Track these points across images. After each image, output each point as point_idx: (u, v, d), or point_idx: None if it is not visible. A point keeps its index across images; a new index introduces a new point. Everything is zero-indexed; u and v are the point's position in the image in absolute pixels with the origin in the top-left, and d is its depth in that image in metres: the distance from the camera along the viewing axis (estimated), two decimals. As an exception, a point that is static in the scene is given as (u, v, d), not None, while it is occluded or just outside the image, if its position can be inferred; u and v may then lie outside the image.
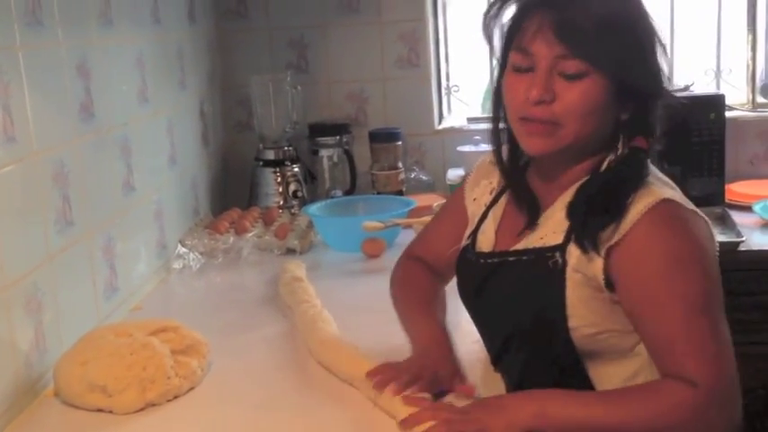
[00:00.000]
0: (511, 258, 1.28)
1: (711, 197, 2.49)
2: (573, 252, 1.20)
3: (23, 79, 1.45)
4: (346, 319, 1.65)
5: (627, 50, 1.20)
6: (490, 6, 1.27)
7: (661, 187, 1.22)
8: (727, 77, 2.80)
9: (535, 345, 1.27)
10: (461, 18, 2.83)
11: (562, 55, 1.18)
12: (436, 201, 2.41)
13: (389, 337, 1.56)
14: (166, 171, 2.20)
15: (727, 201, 2.51)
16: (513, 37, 1.23)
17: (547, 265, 1.22)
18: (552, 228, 1.24)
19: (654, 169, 1.28)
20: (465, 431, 1.15)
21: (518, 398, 1.20)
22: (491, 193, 1.38)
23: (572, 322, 1.21)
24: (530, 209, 1.29)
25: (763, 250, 2.22)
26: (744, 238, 2.23)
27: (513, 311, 1.28)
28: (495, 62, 1.33)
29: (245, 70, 2.71)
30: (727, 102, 2.54)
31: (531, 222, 1.28)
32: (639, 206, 1.18)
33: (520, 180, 1.32)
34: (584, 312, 1.21)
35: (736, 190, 2.56)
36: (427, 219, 2.18)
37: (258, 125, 2.68)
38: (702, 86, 2.72)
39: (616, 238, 1.17)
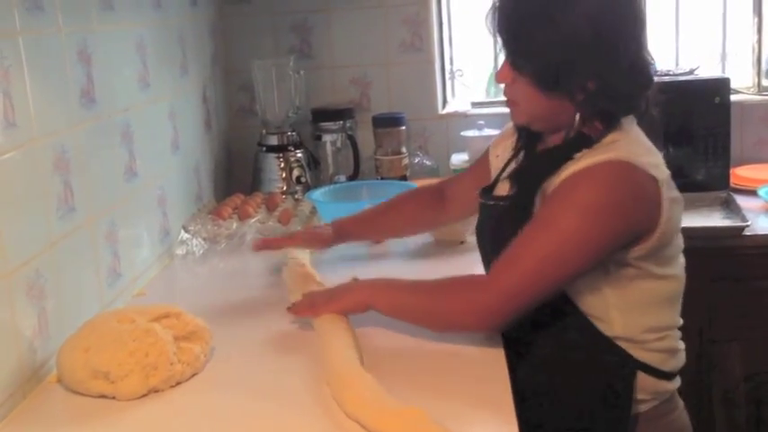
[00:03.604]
0: (491, 203, 1.53)
1: (716, 181, 2.48)
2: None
3: (24, 65, 1.44)
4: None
5: (541, 50, 1.35)
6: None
7: (621, 148, 1.35)
8: (733, 60, 2.78)
9: None
10: (464, 1, 2.82)
11: None
12: (440, 186, 2.40)
13: (393, 321, 1.57)
14: (169, 157, 2.19)
15: (732, 185, 2.50)
16: None
17: (517, 211, 1.42)
18: None
19: (632, 132, 1.41)
20: (320, 300, 1.54)
21: (366, 283, 1.55)
22: (512, 150, 1.56)
23: None
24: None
25: (768, 234, 2.22)
26: (749, 223, 2.22)
27: (494, 250, 1.45)
28: (499, 47, 1.46)
29: (247, 55, 2.70)
30: (733, 85, 2.53)
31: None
32: (588, 161, 1.34)
33: (528, 140, 1.52)
34: None
35: (741, 174, 2.54)
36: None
37: (261, 110, 2.67)
38: (708, 70, 2.70)
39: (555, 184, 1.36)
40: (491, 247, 1.49)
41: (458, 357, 1.45)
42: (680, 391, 1.52)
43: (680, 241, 1.45)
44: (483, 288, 1.38)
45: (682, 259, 1.47)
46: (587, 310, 1.40)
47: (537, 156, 1.48)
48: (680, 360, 1.48)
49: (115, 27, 1.87)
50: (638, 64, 1.39)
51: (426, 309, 1.45)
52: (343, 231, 1.85)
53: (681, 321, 1.48)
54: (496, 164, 1.62)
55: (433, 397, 1.28)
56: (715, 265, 2.24)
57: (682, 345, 1.49)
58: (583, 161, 1.35)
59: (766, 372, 2.28)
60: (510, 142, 1.57)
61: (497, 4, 1.41)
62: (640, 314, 1.40)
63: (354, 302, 1.52)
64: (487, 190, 1.58)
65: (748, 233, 2.21)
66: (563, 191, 1.35)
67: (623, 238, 1.34)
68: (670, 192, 1.37)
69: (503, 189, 1.53)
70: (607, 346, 1.40)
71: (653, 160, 1.37)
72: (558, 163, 1.38)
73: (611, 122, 1.38)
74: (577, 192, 1.33)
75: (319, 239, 1.85)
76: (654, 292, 1.41)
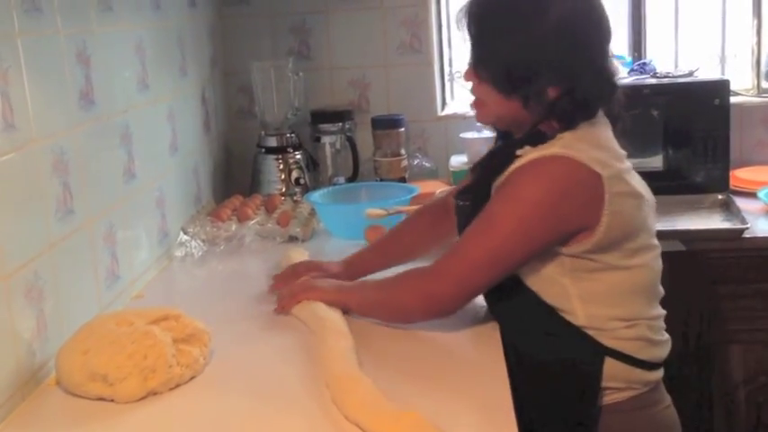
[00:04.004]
0: (459, 203, 1.58)
1: (716, 183, 2.48)
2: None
3: (22, 66, 1.44)
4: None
5: (502, 57, 1.42)
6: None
7: (565, 144, 1.40)
8: (732, 63, 2.78)
9: None
10: (464, 3, 2.81)
11: None
12: (439, 187, 2.40)
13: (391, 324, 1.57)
14: (168, 158, 2.19)
15: (731, 187, 2.50)
16: None
17: (479, 207, 1.46)
18: None
19: (580, 137, 1.42)
20: (298, 289, 1.64)
21: (339, 284, 1.65)
22: None
23: None
24: None
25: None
26: (748, 225, 2.22)
27: None
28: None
29: (246, 56, 2.69)
30: (732, 87, 2.53)
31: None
32: (530, 156, 1.40)
33: (502, 139, 1.60)
34: None
35: (740, 176, 2.54)
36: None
37: (260, 112, 2.67)
38: (707, 72, 2.70)
39: (501, 180, 1.43)
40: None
41: (456, 360, 1.45)
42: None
43: (647, 235, 1.47)
44: (433, 279, 1.46)
45: (655, 251, 1.49)
46: (550, 301, 1.45)
47: (490, 153, 1.58)
48: (660, 351, 1.49)
49: (114, 28, 1.87)
50: (604, 72, 1.44)
51: (387, 303, 1.55)
52: (353, 269, 1.79)
53: (659, 312, 1.50)
54: None
55: (431, 400, 1.28)
56: (714, 268, 2.24)
57: (662, 336, 1.50)
58: (525, 157, 1.41)
59: (766, 374, 2.28)
60: None
61: (466, 8, 1.47)
62: (605, 304, 1.43)
63: (331, 295, 1.61)
64: (463, 191, 1.62)
65: (748, 235, 2.20)
66: (505, 187, 1.42)
67: (562, 229, 1.39)
68: (618, 186, 1.40)
69: None
70: (575, 334, 1.43)
71: (598, 156, 1.39)
72: (506, 159, 1.44)
73: (568, 125, 1.42)
74: (517, 187, 1.40)
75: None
76: (618, 283, 1.44)
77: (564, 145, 1.40)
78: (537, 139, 1.42)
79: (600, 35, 1.45)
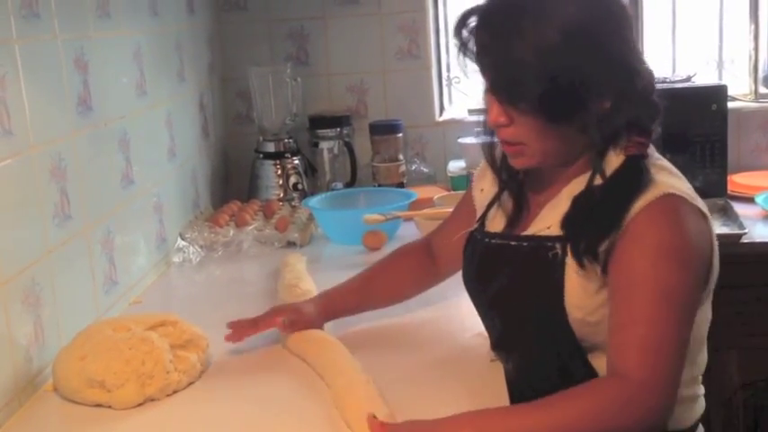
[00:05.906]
0: (513, 243, 1.32)
1: (713, 189, 2.47)
2: None
3: (20, 72, 1.44)
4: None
5: (556, 84, 1.19)
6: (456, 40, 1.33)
7: (665, 180, 1.24)
8: (730, 68, 2.79)
9: (536, 330, 1.30)
10: (462, 8, 2.81)
11: None
12: (437, 193, 2.40)
13: (388, 330, 1.56)
14: (166, 164, 2.19)
15: (729, 192, 2.50)
16: None
17: (547, 255, 1.26)
18: (557, 218, 1.27)
19: (660, 158, 1.30)
20: None
21: (454, 420, 1.16)
22: (496, 184, 1.42)
23: (573, 313, 1.24)
24: (519, 209, 1.36)
25: (766, 242, 2.21)
26: (746, 230, 2.22)
27: (513, 297, 1.32)
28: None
29: (244, 62, 2.69)
30: (730, 92, 2.53)
31: (515, 219, 1.35)
32: (641, 202, 1.20)
33: (512, 183, 1.37)
34: (584, 301, 1.23)
35: (738, 181, 2.54)
36: (428, 211, 2.19)
37: (258, 117, 2.67)
38: (704, 77, 2.70)
39: (615, 233, 1.20)
40: (498, 289, 1.34)
41: (458, 371, 1.43)
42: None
43: None
44: (642, 388, 1.13)
45: None
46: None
47: (589, 200, 1.25)
48: (700, 407, 1.38)
49: (112, 34, 1.87)
50: (640, 62, 1.27)
51: (565, 427, 1.13)
52: (329, 309, 1.57)
53: None
54: (481, 198, 1.45)
55: (432, 409, 1.27)
56: (713, 273, 2.24)
57: (702, 389, 1.38)
58: (641, 197, 1.20)
59: (764, 379, 2.28)
60: (492, 174, 1.43)
61: (477, 40, 1.28)
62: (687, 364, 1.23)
63: None
64: (475, 230, 1.42)
65: (746, 241, 2.20)
66: (639, 247, 1.18)
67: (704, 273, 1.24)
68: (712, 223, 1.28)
69: (496, 225, 1.38)
70: None
71: (689, 189, 1.26)
72: (619, 215, 1.20)
73: (647, 133, 1.27)
74: (652, 239, 1.18)
75: (302, 322, 1.53)
76: (699, 335, 1.32)
77: (670, 178, 1.24)
78: (638, 170, 1.23)
79: (621, 25, 1.25)
